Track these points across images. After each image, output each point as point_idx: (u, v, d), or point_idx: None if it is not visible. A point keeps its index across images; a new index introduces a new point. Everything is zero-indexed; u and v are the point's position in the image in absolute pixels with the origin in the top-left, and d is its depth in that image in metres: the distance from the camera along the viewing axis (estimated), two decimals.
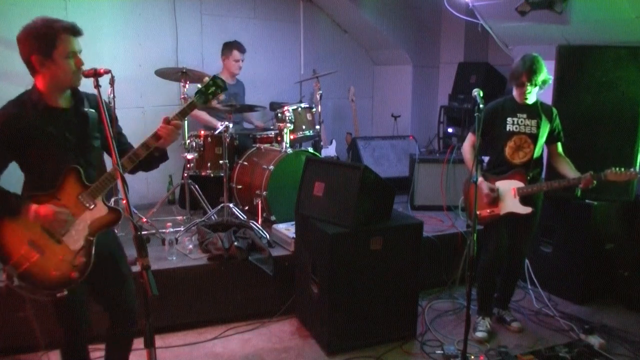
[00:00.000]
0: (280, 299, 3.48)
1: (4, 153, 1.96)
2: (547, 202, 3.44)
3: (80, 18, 4.24)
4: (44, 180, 1.99)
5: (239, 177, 4.22)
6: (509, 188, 3.11)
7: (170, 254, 3.39)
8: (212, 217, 3.95)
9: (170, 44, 4.98)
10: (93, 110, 2.10)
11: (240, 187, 4.17)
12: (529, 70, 2.98)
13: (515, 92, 3.15)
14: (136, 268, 1.72)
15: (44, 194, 1.98)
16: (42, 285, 1.96)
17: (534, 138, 3.10)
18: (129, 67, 4.70)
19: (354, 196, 2.95)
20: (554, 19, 3.83)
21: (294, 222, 3.50)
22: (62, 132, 2.00)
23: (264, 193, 3.86)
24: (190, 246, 3.50)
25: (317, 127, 4.68)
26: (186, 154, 4.03)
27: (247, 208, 4.18)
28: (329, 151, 5.48)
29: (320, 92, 5.09)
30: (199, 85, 2.17)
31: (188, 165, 4.11)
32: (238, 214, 4.02)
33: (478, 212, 3.06)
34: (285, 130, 4.10)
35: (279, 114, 4.32)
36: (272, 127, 4.65)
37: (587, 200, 3.58)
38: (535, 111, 3.11)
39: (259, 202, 3.91)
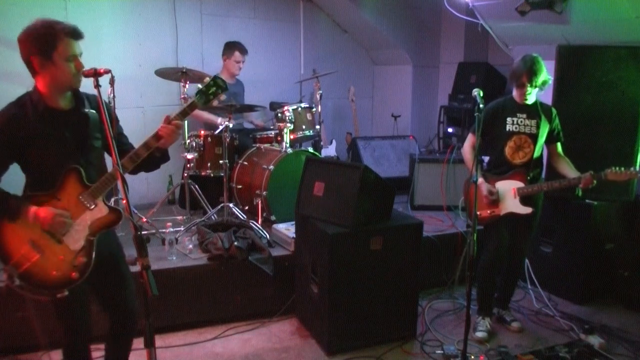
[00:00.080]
0: (280, 299, 3.48)
1: (4, 154, 1.96)
2: (547, 202, 3.44)
3: (80, 18, 4.30)
4: (45, 181, 1.99)
5: (239, 177, 4.22)
6: (509, 188, 3.11)
7: (170, 254, 3.39)
8: (212, 217, 3.95)
9: (170, 44, 4.98)
10: (94, 111, 2.10)
11: (240, 187, 4.17)
12: (530, 71, 2.98)
13: (515, 93, 3.15)
14: (136, 268, 1.72)
15: (44, 194, 1.98)
16: (43, 285, 1.96)
17: (534, 138, 3.10)
18: (129, 67, 4.70)
19: (354, 196, 2.95)
20: (554, 19, 3.83)
21: (294, 222, 3.50)
22: (62, 133, 2.00)
23: (264, 193, 3.86)
24: (190, 246, 3.50)
25: (317, 127, 4.68)
26: (186, 153, 4.03)
27: (247, 208, 4.18)
28: (329, 151, 5.47)
29: (320, 92, 5.09)
30: (199, 85, 2.17)
31: (188, 165, 4.10)
32: (238, 214, 4.02)
33: (478, 213, 3.06)
34: (285, 130, 4.10)
35: (279, 114, 4.31)
36: (272, 127, 4.66)
37: (587, 200, 3.59)
38: (535, 111, 3.11)
39: (259, 202, 3.91)
